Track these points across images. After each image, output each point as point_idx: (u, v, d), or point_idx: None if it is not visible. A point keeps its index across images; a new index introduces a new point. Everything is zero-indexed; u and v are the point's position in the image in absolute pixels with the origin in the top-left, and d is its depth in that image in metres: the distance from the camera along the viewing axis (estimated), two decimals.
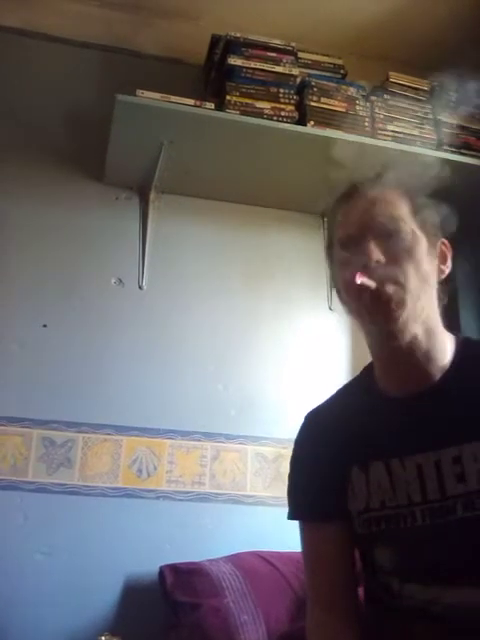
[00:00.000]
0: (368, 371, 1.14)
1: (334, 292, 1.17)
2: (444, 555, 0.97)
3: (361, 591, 1.14)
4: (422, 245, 1.03)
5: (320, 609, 1.10)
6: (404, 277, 0.99)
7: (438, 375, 1.03)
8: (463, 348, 1.07)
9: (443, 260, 1.08)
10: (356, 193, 1.07)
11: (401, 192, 1.06)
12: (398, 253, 1.00)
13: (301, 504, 1.15)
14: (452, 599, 0.95)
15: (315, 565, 1.13)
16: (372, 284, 0.97)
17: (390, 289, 0.97)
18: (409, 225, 1.03)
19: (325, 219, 2.39)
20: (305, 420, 1.22)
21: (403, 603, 1.01)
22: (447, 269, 1.08)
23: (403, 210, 1.04)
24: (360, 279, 0.95)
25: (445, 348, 1.06)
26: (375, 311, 0.98)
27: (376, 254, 0.99)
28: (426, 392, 1.03)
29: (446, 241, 1.09)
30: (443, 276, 1.07)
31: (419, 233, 1.03)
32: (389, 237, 1.01)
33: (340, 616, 1.07)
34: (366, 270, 0.97)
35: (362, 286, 0.96)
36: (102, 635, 1.62)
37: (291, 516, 1.16)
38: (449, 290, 1.09)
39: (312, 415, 1.22)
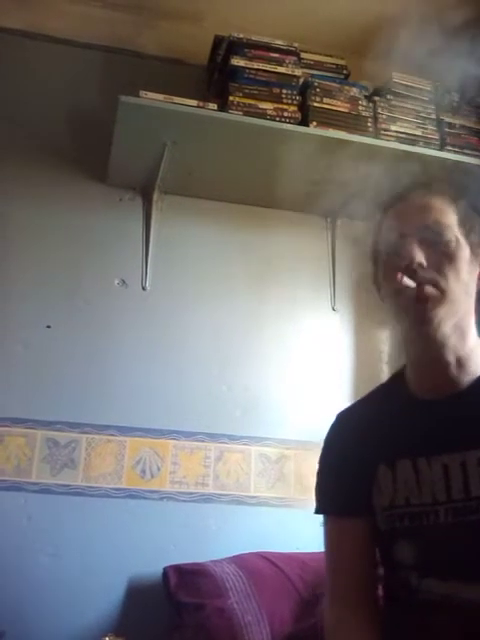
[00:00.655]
0: (399, 375, 1.17)
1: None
2: (464, 553, 0.99)
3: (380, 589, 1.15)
4: (465, 254, 1.05)
5: (340, 605, 1.12)
6: (444, 281, 1.01)
7: (468, 379, 1.06)
8: None
9: None
10: (405, 198, 1.10)
11: (449, 201, 1.08)
12: (440, 258, 1.03)
13: (328, 498, 1.18)
14: (469, 595, 0.97)
15: (337, 560, 1.16)
16: (412, 284, 1.00)
17: (428, 290, 1.00)
18: (454, 233, 1.05)
19: (328, 219, 2.39)
20: (336, 419, 1.25)
21: (420, 597, 1.02)
22: None
23: (450, 218, 1.06)
24: (401, 279, 0.99)
25: (477, 357, 1.07)
26: (412, 310, 1.01)
27: (419, 256, 1.01)
28: (455, 395, 1.05)
29: None
30: None
31: (463, 242, 1.06)
32: (433, 242, 1.04)
33: (360, 612, 1.09)
34: (408, 271, 1.01)
35: (402, 286, 1.00)
36: (106, 636, 1.62)
37: (318, 510, 1.19)
38: None
39: (343, 414, 1.25)
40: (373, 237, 1.17)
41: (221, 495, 2.04)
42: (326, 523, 1.18)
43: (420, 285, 1.00)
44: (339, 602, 1.12)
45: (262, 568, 1.80)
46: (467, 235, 1.06)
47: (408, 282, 1.00)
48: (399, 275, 0.99)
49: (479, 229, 1.08)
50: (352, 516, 1.13)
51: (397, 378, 1.18)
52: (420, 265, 1.01)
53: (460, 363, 1.05)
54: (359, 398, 1.26)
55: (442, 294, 1.01)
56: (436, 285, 1.01)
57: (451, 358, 1.05)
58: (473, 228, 1.08)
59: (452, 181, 1.11)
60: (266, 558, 1.85)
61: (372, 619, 1.09)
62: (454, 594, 0.98)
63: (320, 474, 1.22)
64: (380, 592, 1.15)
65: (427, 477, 1.04)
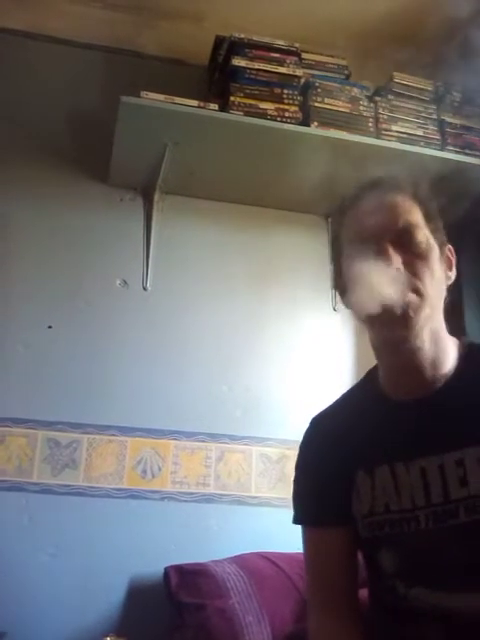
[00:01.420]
0: (372, 376, 1.15)
1: (337, 293, 1.17)
2: (447, 559, 0.97)
3: (363, 593, 1.14)
4: (435, 251, 1.04)
5: (321, 612, 1.10)
6: (423, 286, 0.99)
7: (442, 380, 1.04)
8: (467, 352, 1.08)
9: (449, 266, 1.09)
10: (369, 195, 1.07)
11: (413, 197, 1.06)
12: (415, 261, 1.01)
13: (305, 509, 1.16)
14: (457, 602, 0.96)
15: (317, 569, 1.13)
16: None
17: (410, 297, 0.98)
18: (424, 232, 1.04)
19: (329, 220, 2.39)
20: (310, 425, 1.22)
21: (409, 605, 1.01)
22: (453, 275, 1.10)
23: (418, 216, 1.05)
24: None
25: (449, 353, 1.06)
26: (393, 318, 0.98)
27: (396, 261, 0.99)
28: (430, 396, 1.03)
29: (451, 247, 1.10)
30: (449, 282, 1.08)
31: (432, 240, 1.04)
32: (406, 243, 1.02)
33: (342, 619, 1.07)
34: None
35: None
36: (107, 636, 1.62)
37: (296, 520, 1.17)
38: (454, 292, 1.09)
39: (317, 420, 1.22)
40: (334, 237, 1.14)
41: (222, 495, 2.04)
42: (304, 533, 1.15)
43: (401, 292, 0.97)
44: (321, 610, 1.10)
45: (263, 568, 1.80)
46: (433, 233, 1.05)
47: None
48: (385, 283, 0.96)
49: (440, 225, 1.07)
50: (330, 526, 1.11)
51: (370, 379, 1.15)
52: (398, 270, 0.98)
53: (434, 362, 1.04)
54: (333, 401, 1.22)
55: (422, 299, 0.98)
56: (416, 289, 0.98)
57: (426, 360, 1.03)
58: (437, 226, 1.07)
59: (412, 177, 1.08)
60: (267, 558, 1.85)
61: (355, 625, 1.07)
62: (442, 603, 0.97)
63: (297, 483, 1.20)
64: (365, 597, 1.13)
65: (405, 482, 1.02)
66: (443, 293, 1.05)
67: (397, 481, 1.03)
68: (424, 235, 1.03)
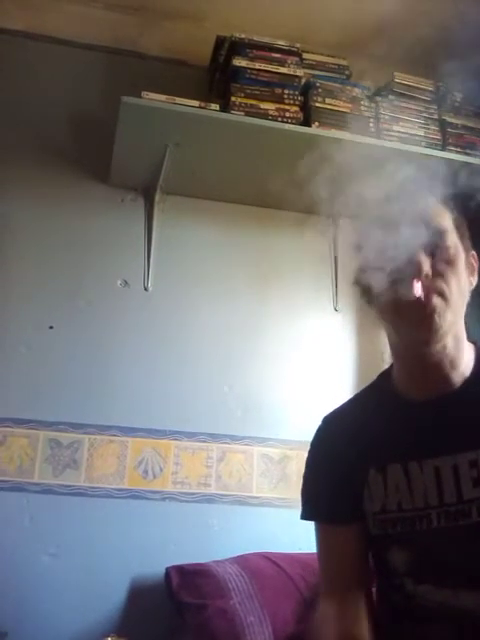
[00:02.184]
0: (386, 376, 1.16)
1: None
2: (459, 558, 0.98)
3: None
4: (462, 257, 1.05)
5: (334, 600, 1.10)
6: (448, 290, 1.00)
7: (459, 382, 1.05)
8: None
9: (472, 272, 1.10)
10: (399, 201, 1.06)
11: (443, 202, 1.08)
12: (443, 265, 1.02)
13: (315, 506, 1.17)
14: (466, 602, 0.96)
15: (329, 563, 1.15)
16: (422, 296, 0.97)
17: (436, 301, 0.99)
18: (453, 237, 1.05)
19: (330, 220, 2.39)
20: (322, 423, 1.23)
21: (417, 604, 1.02)
22: (475, 281, 1.10)
23: (448, 222, 1.06)
24: (417, 290, 0.96)
25: (466, 355, 1.08)
26: (418, 320, 0.99)
27: (426, 266, 0.99)
28: (446, 397, 1.04)
29: (475, 254, 1.11)
30: (471, 288, 1.09)
31: (459, 245, 1.05)
32: (436, 248, 1.02)
33: (354, 606, 1.08)
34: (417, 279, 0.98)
35: (411, 295, 0.97)
36: (108, 636, 1.62)
37: (304, 516, 1.18)
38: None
39: (329, 418, 1.23)
40: (362, 239, 1.15)
41: (223, 495, 2.04)
42: (317, 529, 1.17)
43: (428, 296, 0.98)
44: (332, 597, 1.11)
45: (264, 568, 1.80)
46: (461, 239, 1.06)
47: (419, 292, 0.97)
48: (415, 285, 0.96)
49: (467, 231, 1.09)
50: (342, 523, 1.12)
51: (384, 378, 1.16)
52: (427, 276, 0.99)
53: (453, 364, 1.05)
54: (346, 400, 1.23)
55: (447, 303, 1.00)
56: (442, 294, 0.99)
57: (446, 362, 1.04)
58: (464, 231, 1.08)
59: (443, 183, 1.09)
60: (268, 558, 1.85)
61: (366, 614, 1.07)
62: (451, 602, 0.98)
63: (307, 480, 1.20)
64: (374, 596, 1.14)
65: (419, 481, 1.03)
66: (466, 299, 1.06)
67: (410, 480, 1.04)
68: (453, 240, 1.04)
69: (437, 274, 1.00)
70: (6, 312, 2.05)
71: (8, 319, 2.04)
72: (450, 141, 2.13)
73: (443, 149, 2.11)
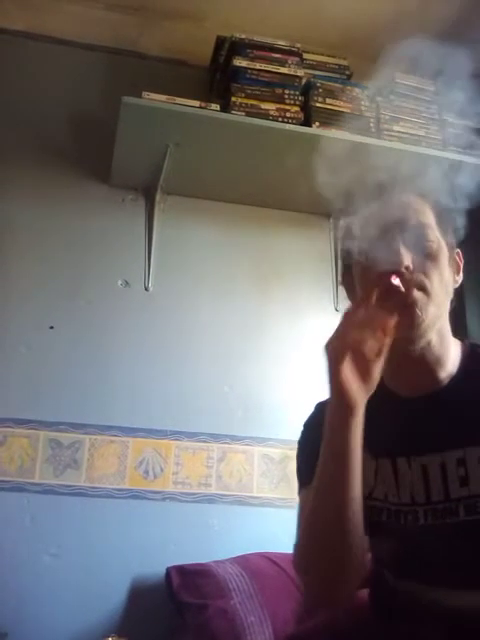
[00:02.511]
0: None
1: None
2: (445, 557, 0.98)
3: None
4: (445, 253, 1.05)
5: None
6: (430, 284, 1.00)
7: (446, 379, 1.05)
8: (470, 353, 1.09)
9: (457, 270, 1.10)
10: (384, 196, 1.07)
11: (427, 199, 1.07)
12: (424, 261, 1.02)
13: (307, 471, 1.13)
14: (453, 602, 0.96)
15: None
16: (402, 287, 0.97)
17: (417, 295, 0.99)
18: (435, 233, 1.04)
19: (331, 220, 2.39)
20: (315, 408, 1.24)
21: (401, 601, 1.01)
22: (460, 279, 1.10)
23: (430, 218, 1.06)
24: (395, 280, 0.97)
25: (453, 353, 1.07)
26: (400, 315, 0.98)
27: (407, 260, 0.99)
28: (434, 394, 1.04)
29: (459, 251, 1.11)
30: (456, 285, 1.09)
31: (442, 241, 1.05)
32: (417, 244, 1.02)
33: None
34: (397, 274, 0.98)
35: (392, 288, 0.97)
36: (109, 636, 1.62)
37: (301, 486, 1.16)
38: (457, 295, 1.10)
39: (323, 404, 1.21)
40: (345, 236, 1.15)
41: (224, 496, 2.04)
42: (302, 497, 1.13)
43: (408, 289, 0.98)
44: None
45: (265, 568, 1.80)
46: (444, 235, 1.06)
47: (399, 285, 0.97)
48: (393, 277, 0.97)
49: (451, 228, 1.08)
50: None
51: None
52: (408, 268, 0.99)
53: (439, 362, 1.05)
54: None
55: (428, 298, 0.99)
56: (423, 288, 0.99)
57: (431, 359, 1.04)
58: (448, 228, 1.07)
59: (425, 178, 1.09)
60: (269, 559, 1.85)
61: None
62: (439, 601, 0.97)
63: (301, 455, 1.21)
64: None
65: (406, 477, 1.03)
66: (450, 295, 1.06)
67: (398, 475, 1.04)
68: (435, 236, 1.04)
69: (419, 268, 1.00)
70: (6, 312, 2.05)
71: (8, 319, 2.04)
72: (450, 141, 2.13)
73: (443, 149, 2.11)
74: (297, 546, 1.07)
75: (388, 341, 0.94)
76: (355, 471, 0.95)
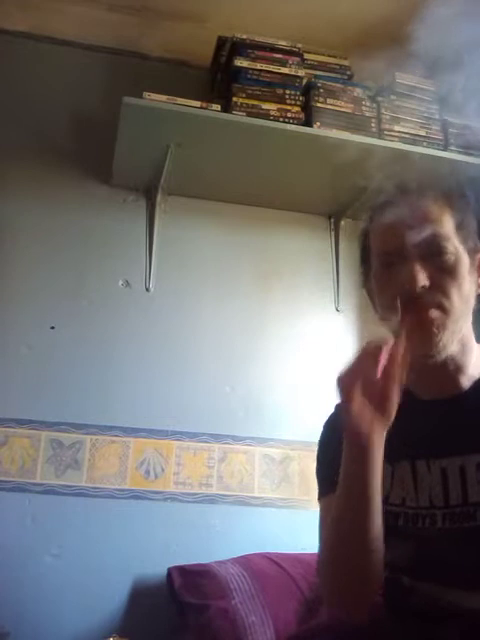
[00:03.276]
0: None
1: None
2: (460, 560, 0.97)
3: None
4: (464, 263, 1.02)
5: None
6: (448, 302, 0.99)
7: (468, 384, 1.05)
8: None
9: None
10: (398, 203, 1.05)
11: (444, 205, 1.04)
12: (443, 275, 1.00)
13: (328, 478, 1.13)
14: (471, 604, 0.96)
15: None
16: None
17: (434, 314, 0.98)
18: (453, 243, 1.02)
19: (332, 220, 2.39)
20: (337, 407, 1.21)
21: (415, 603, 1.01)
22: None
23: (448, 227, 1.03)
24: (399, 308, 0.96)
25: (476, 359, 1.07)
26: (415, 335, 0.97)
27: (422, 279, 0.97)
28: (455, 398, 1.04)
29: None
30: (479, 290, 1.07)
31: (461, 250, 1.02)
32: (434, 256, 1.00)
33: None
34: (411, 294, 0.97)
35: (408, 309, 0.97)
36: (110, 636, 1.62)
37: (322, 493, 1.15)
38: None
39: None
40: (362, 242, 1.14)
41: (225, 496, 2.04)
42: (324, 506, 1.13)
43: (425, 310, 0.97)
44: None
45: (266, 569, 1.80)
46: (464, 242, 1.03)
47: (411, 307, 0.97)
48: (397, 304, 0.96)
49: (474, 232, 1.06)
50: None
51: None
52: (424, 287, 0.97)
53: (460, 369, 1.04)
54: None
55: (447, 316, 0.98)
56: (441, 306, 0.98)
57: (452, 367, 1.04)
58: (469, 233, 1.05)
59: (443, 181, 1.07)
60: (270, 559, 1.85)
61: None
62: (455, 602, 0.97)
63: (322, 457, 1.19)
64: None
65: (425, 481, 1.03)
66: (472, 304, 1.04)
67: (417, 479, 1.04)
68: (453, 246, 1.01)
69: (436, 286, 0.99)
70: (8, 312, 2.05)
71: (10, 319, 2.05)
72: (452, 141, 2.13)
73: (445, 149, 2.11)
74: (319, 559, 1.07)
75: (402, 371, 0.92)
76: (374, 503, 0.95)
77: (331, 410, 1.24)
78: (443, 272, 1.00)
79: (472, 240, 1.05)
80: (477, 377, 1.05)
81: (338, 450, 1.04)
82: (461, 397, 1.04)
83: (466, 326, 1.05)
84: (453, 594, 0.98)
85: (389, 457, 1.05)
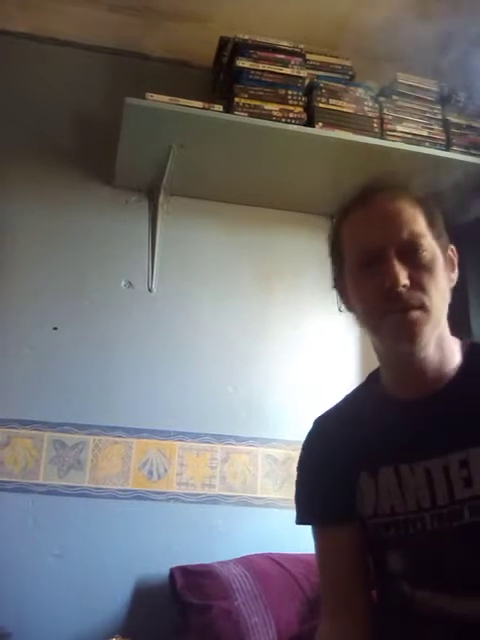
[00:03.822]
0: (374, 377, 1.15)
1: (337, 293, 1.17)
2: (455, 560, 0.97)
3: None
4: (440, 259, 1.03)
5: (329, 615, 1.10)
6: (429, 300, 0.99)
7: (446, 380, 1.04)
8: (470, 353, 1.08)
9: (452, 268, 1.08)
10: (371, 201, 1.05)
11: (416, 202, 1.05)
12: (421, 273, 1.00)
13: (309, 509, 1.15)
14: (460, 609, 0.95)
15: (326, 568, 1.13)
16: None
17: (415, 314, 0.98)
18: (428, 241, 1.02)
19: (334, 221, 2.38)
20: (314, 425, 1.22)
21: (415, 608, 1.00)
22: (456, 277, 1.08)
23: (422, 224, 1.03)
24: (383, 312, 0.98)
25: (453, 353, 1.06)
26: (398, 334, 0.99)
27: (403, 278, 0.98)
28: (434, 396, 1.03)
29: (453, 247, 1.09)
30: (453, 284, 1.07)
31: (436, 246, 1.03)
32: (412, 254, 1.00)
33: (348, 622, 1.07)
34: (392, 293, 0.98)
35: (388, 309, 0.98)
36: (112, 637, 1.62)
37: (298, 520, 1.16)
38: (459, 291, 1.08)
39: (321, 420, 1.22)
40: (333, 241, 1.15)
41: (228, 496, 2.04)
42: (314, 533, 1.15)
43: (407, 309, 0.98)
44: (328, 612, 1.11)
45: (269, 569, 1.80)
46: (437, 238, 1.04)
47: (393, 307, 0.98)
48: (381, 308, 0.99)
49: (442, 227, 1.06)
50: (336, 525, 1.11)
51: (373, 380, 1.15)
52: (405, 286, 0.98)
53: (438, 364, 1.04)
54: (337, 402, 1.22)
55: (428, 314, 0.98)
56: (422, 306, 0.98)
57: (430, 363, 1.03)
58: (440, 229, 1.05)
59: (414, 178, 1.07)
60: (273, 559, 1.85)
61: (361, 628, 1.06)
62: (446, 607, 0.96)
63: (299, 483, 1.19)
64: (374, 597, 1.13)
65: (410, 484, 1.02)
66: (448, 300, 1.04)
67: (402, 483, 1.03)
68: (429, 244, 1.01)
69: (416, 284, 0.99)
70: (10, 313, 2.05)
71: (12, 320, 2.05)
72: (454, 141, 2.13)
73: (447, 149, 2.11)
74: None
75: None
76: None
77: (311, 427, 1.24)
78: (421, 269, 1.00)
79: (443, 236, 1.06)
80: (454, 373, 1.04)
81: (318, 475, 1.08)
82: (439, 395, 1.03)
83: (443, 324, 1.05)
84: (449, 598, 0.97)
85: (370, 468, 1.06)
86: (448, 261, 1.06)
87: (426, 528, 0.99)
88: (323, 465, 1.13)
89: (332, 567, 1.12)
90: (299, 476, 1.20)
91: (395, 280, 0.97)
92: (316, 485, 1.15)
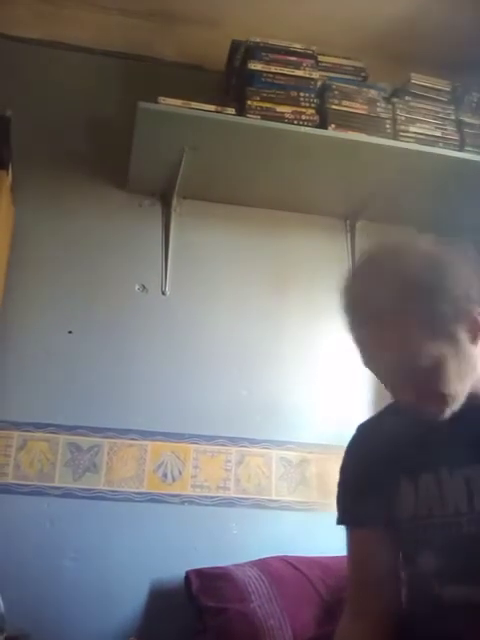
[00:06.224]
0: None
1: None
2: None
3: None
4: (450, 348, 0.99)
5: (352, 615, 1.13)
6: (446, 387, 0.99)
7: None
8: None
9: (475, 336, 1.01)
10: (365, 326, 1.10)
11: (408, 310, 0.98)
12: (429, 376, 0.99)
13: (348, 510, 1.19)
14: None
15: (358, 569, 1.17)
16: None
17: (431, 407, 1.01)
18: (428, 349, 0.97)
19: (348, 222, 2.39)
20: (356, 431, 1.25)
21: (444, 605, 1.03)
22: None
23: (417, 335, 0.97)
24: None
25: None
26: (419, 416, 1.02)
27: (409, 394, 1.01)
28: (474, 407, 1.04)
29: (477, 317, 1.00)
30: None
31: (442, 343, 0.98)
32: (413, 368, 1.00)
33: (371, 624, 1.09)
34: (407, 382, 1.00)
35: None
36: (128, 639, 1.62)
37: (339, 521, 1.20)
38: None
39: (363, 427, 1.25)
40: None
41: (242, 499, 2.04)
42: (348, 534, 1.18)
43: (426, 403, 1.00)
44: (350, 611, 1.14)
45: (284, 572, 1.80)
46: (443, 328, 0.98)
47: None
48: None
49: (457, 302, 0.99)
50: (373, 527, 1.14)
51: None
52: (419, 387, 0.99)
53: (474, 391, 1.04)
54: (378, 411, 1.26)
55: (448, 398, 1.00)
56: (438, 399, 1.00)
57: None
58: (446, 317, 0.98)
59: (403, 271, 1.01)
60: (288, 562, 1.84)
61: (383, 630, 1.09)
62: (473, 599, 0.99)
63: (341, 485, 1.22)
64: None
65: (449, 489, 1.05)
66: (475, 365, 1.02)
67: (441, 488, 1.06)
68: (428, 352, 0.97)
69: (423, 393, 1.00)
70: (25, 317, 2.06)
71: (27, 324, 2.06)
72: (468, 142, 2.11)
73: (461, 150, 2.09)
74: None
75: None
76: None
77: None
78: (429, 373, 0.98)
79: (452, 315, 0.98)
80: None
81: (358, 479, 1.11)
82: (478, 407, 1.04)
83: (475, 377, 1.03)
84: (474, 591, 0.99)
85: (411, 472, 1.09)
86: (470, 325, 1.00)
87: (462, 531, 1.02)
88: (364, 470, 1.17)
89: (362, 569, 1.15)
90: (341, 479, 1.23)
91: (399, 397, 1.03)
92: (357, 489, 1.18)
